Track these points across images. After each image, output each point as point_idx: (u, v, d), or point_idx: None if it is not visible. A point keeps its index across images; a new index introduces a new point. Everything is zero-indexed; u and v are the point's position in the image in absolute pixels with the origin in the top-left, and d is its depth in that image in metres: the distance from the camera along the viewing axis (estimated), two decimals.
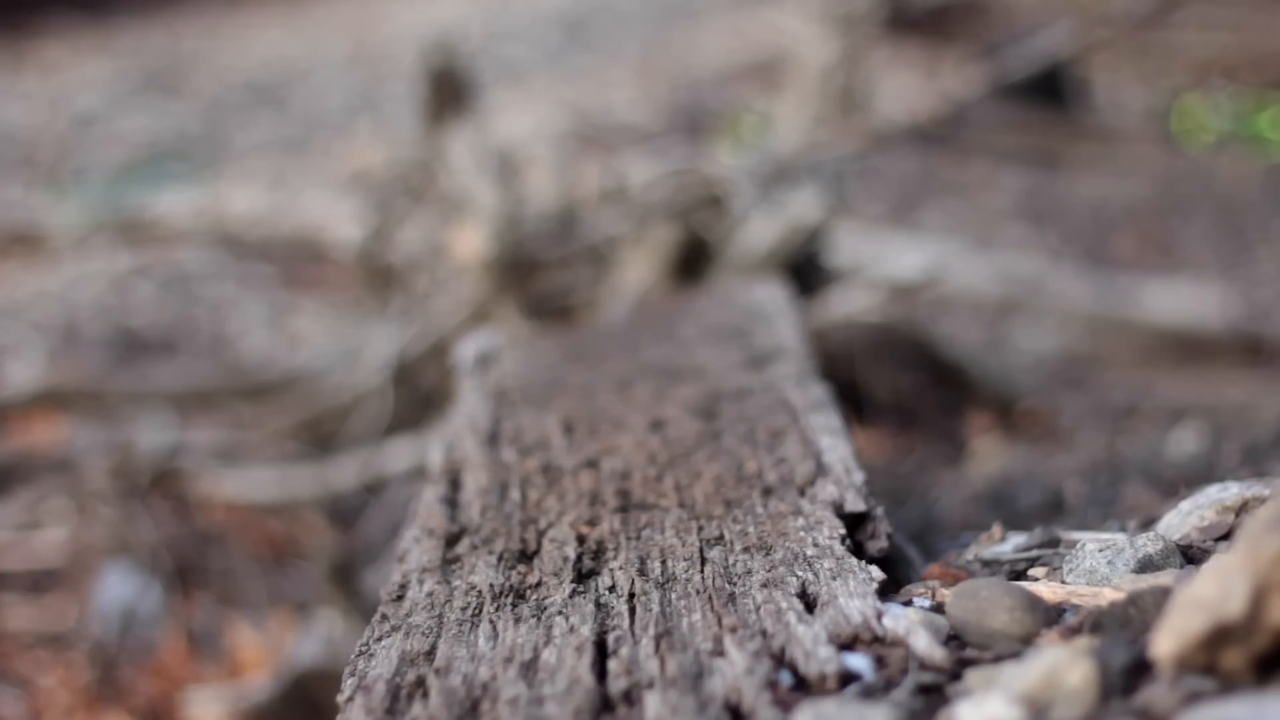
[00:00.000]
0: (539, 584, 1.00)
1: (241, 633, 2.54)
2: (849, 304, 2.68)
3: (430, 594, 1.02)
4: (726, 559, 1.00)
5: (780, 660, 0.83)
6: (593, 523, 1.08)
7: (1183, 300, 3.34)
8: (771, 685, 0.79)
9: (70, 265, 3.95)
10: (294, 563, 2.73)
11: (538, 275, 2.62)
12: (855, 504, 1.13)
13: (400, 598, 1.04)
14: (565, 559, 1.04)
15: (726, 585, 0.95)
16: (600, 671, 0.83)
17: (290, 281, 3.93)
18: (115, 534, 2.69)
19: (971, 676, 0.78)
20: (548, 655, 0.86)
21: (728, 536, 1.04)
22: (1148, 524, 1.20)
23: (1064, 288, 3.37)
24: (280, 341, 3.68)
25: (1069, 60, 5.11)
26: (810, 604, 0.91)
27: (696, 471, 1.20)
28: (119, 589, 2.59)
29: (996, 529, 1.22)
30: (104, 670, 2.46)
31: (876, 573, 0.95)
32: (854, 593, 0.91)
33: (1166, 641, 0.71)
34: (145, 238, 3.62)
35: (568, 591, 0.97)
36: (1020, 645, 0.84)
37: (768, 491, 1.15)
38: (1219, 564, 0.71)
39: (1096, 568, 0.97)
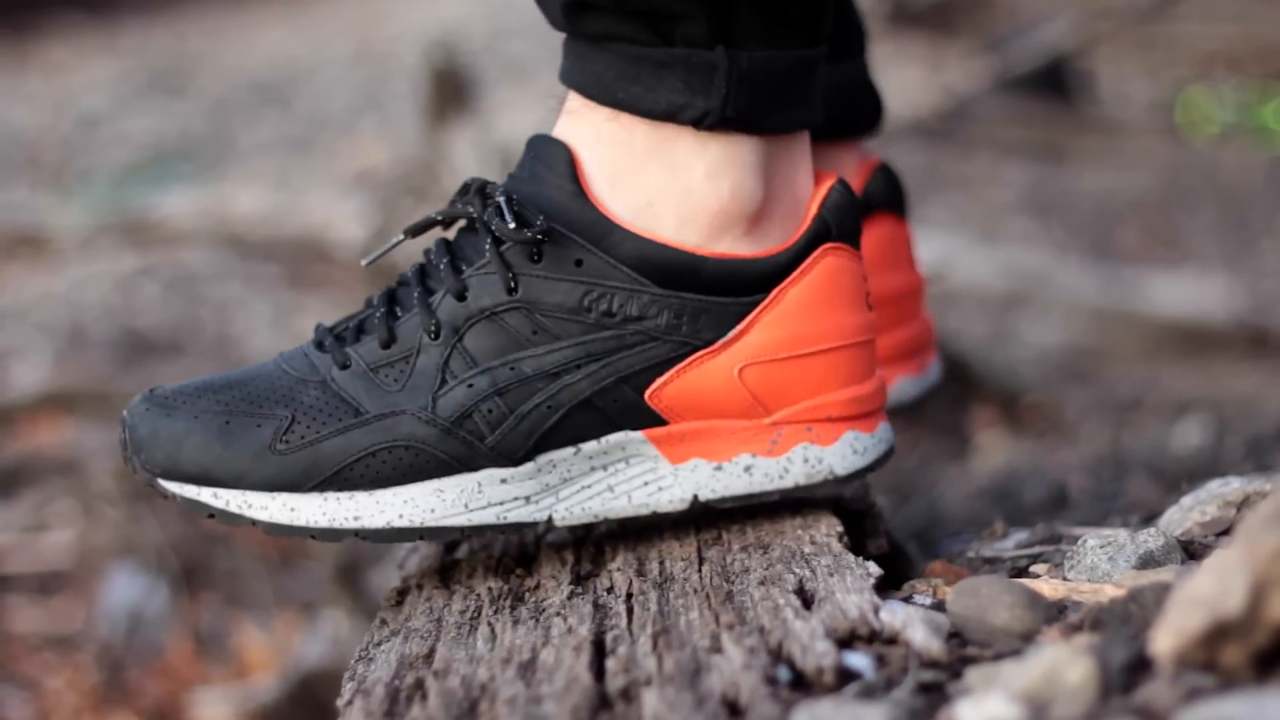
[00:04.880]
0: (537, 586, 1.00)
1: (248, 633, 2.54)
2: None
3: (429, 598, 1.02)
4: (724, 558, 1.00)
5: (778, 656, 0.83)
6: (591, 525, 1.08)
7: (1188, 293, 3.34)
8: (769, 680, 0.79)
9: (75, 266, 3.96)
10: (300, 563, 2.73)
11: None
12: (854, 501, 1.13)
13: (399, 603, 1.04)
14: (564, 561, 1.04)
15: (724, 583, 0.95)
16: (598, 670, 0.83)
17: (295, 281, 3.94)
18: (121, 536, 2.70)
19: (972, 674, 0.78)
20: (546, 655, 0.86)
21: (725, 536, 1.04)
22: (1150, 519, 1.20)
23: (1069, 281, 3.37)
24: (286, 341, 3.67)
25: (1073, 53, 5.11)
26: (808, 600, 0.91)
27: None
28: (126, 591, 2.59)
29: (998, 525, 1.23)
30: (111, 672, 2.46)
31: (874, 568, 0.95)
32: (851, 588, 0.91)
33: (1165, 639, 0.71)
34: (150, 238, 3.62)
35: (566, 593, 0.97)
36: (1021, 642, 0.84)
37: None
38: (1218, 560, 0.71)
39: (1098, 564, 0.97)
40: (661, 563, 1.01)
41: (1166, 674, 0.71)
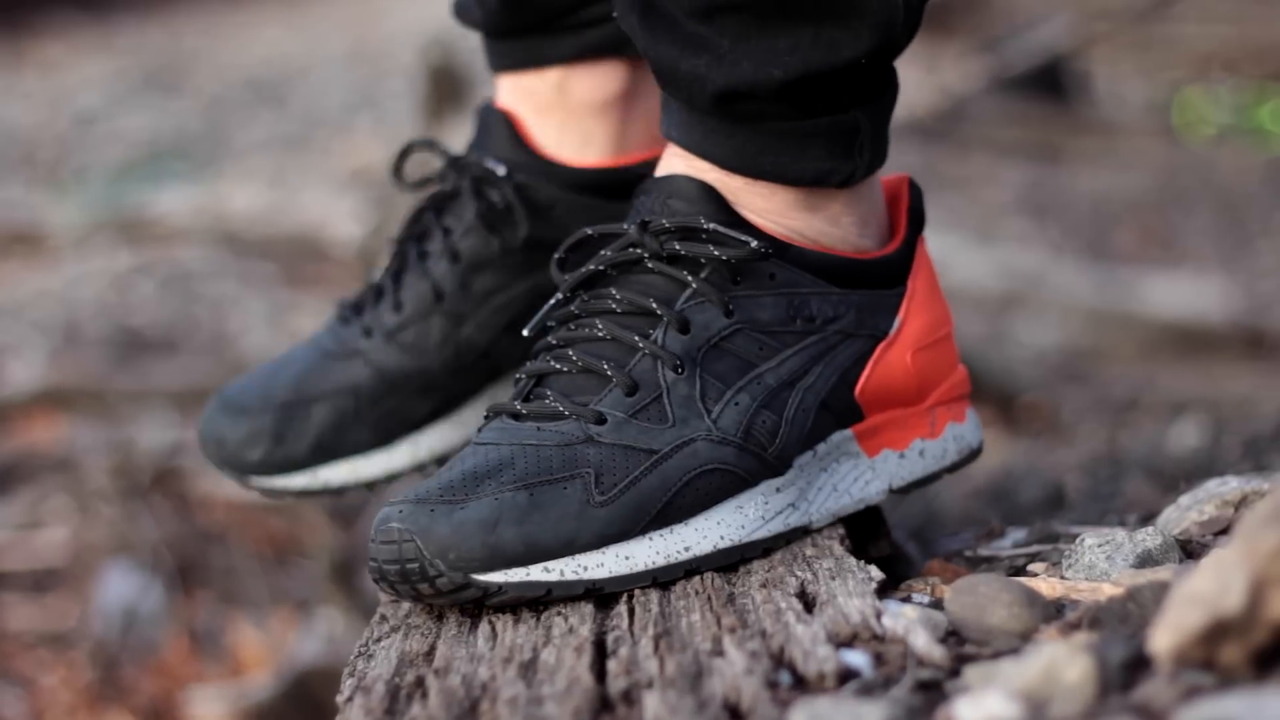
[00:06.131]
0: None
1: (243, 631, 2.54)
2: None
3: None
4: None
5: (779, 660, 0.83)
6: None
7: (1184, 294, 3.34)
8: (771, 685, 0.79)
9: (71, 264, 3.96)
10: (295, 561, 2.73)
11: None
12: None
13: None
14: None
15: (725, 585, 0.95)
16: (599, 671, 0.83)
17: (290, 279, 3.93)
18: (116, 533, 2.69)
19: (970, 673, 0.78)
20: (547, 655, 0.86)
21: None
22: (1147, 519, 1.20)
23: (1065, 282, 3.37)
24: (281, 339, 3.67)
25: (1069, 54, 5.11)
26: (809, 604, 0.91)
27: None
28: (120, 588, 2.59)
29: (996, 524, 1.23)
30: (106, 669, 2.46)
31: (876, 572, 0.95)
32: (853, 592, 0.91)
33: (1164, 637, 0.71)
34: (146, 236, 3.62)
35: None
36: (1019, 641, 0.84)
37: None
38: (1217, 559, 0.71)
39: (1095, 563, 0.97)
40: None
41: (1165, 672, 0.71)
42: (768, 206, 1.05)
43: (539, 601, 0.95)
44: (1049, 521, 1.25)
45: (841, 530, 1.04)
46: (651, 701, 0.78)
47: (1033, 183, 4.59)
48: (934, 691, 0.78)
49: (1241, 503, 1.05)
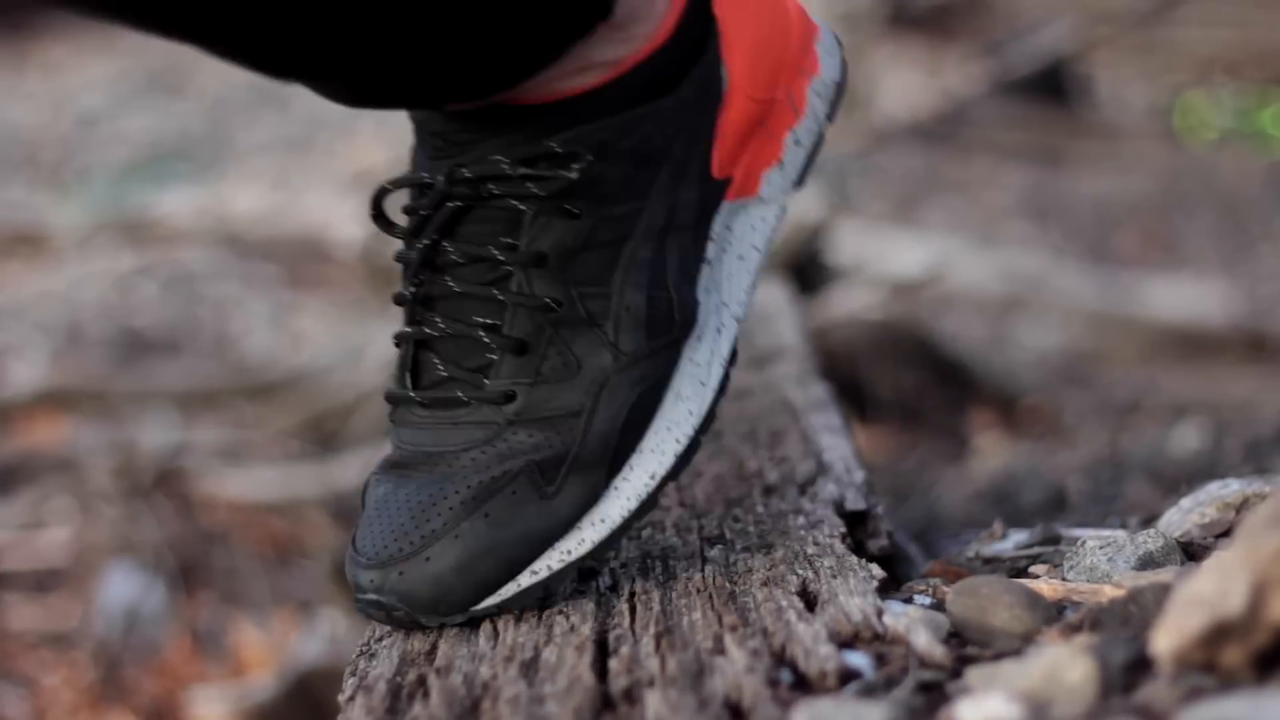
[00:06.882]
0: None
1: (245, 632, 2.54)
2: (851, 302, 2.69)
3: None
4: (727, 557, 1.00)
5: (781, 658, 0.83)
6: None
7: (1185, 297, 3.35)
8: (772, 683, 0.80)
9: (73, 265, 3.96)
10: (297, 562, 2.73)
11: None
12: (856, 502, 1.13)
13: None
14: None
15: (727, 584, 0.95)
16: (601, 670, 0.83)
17: (293, 281, 3.94)
18: (119, 533, 2.70)
19: (972, 674, 0.78)
20: (548, 654, 0.86)
21: (728, 535, 1.04)
22: (1149, 521, 1.20)
23: (1067, 285, 3.37)
24: (283, 341, 3.68)
25: (1071, 57, 5.12)
26: (811, 602, 0.91)
27: (697, 471, 1.20)
28: (123, 588, 2.60)
29: (997, 526, 1.23)
30: (108, 669, 2.46)
31: (877, 571, 0.95)
32: (854, 591, 0.91)
33: (1166, 639, 0.71)
34: (148, 238, 3.63)
35: (568, 590, 0.97)
36: (1020, 642, 0.84)
37: (768, 490, 1.15)
38: (1218, 561, 0.71)
39: (1097, 565, 0.97)
40: (664, 561, 1.00)
41: (1166, 674, 0.71)
42: (548, 76, 0.88)
43: (541, 603, 0.94)
44: (1051, 523, 1.25)
45: (842, 529, 1.04)
46: (653, 700, 0.78)
47: (1034, 186, 4.59)
48: (935, 692, 0.78)
49: (1243, 505, 1.05)
